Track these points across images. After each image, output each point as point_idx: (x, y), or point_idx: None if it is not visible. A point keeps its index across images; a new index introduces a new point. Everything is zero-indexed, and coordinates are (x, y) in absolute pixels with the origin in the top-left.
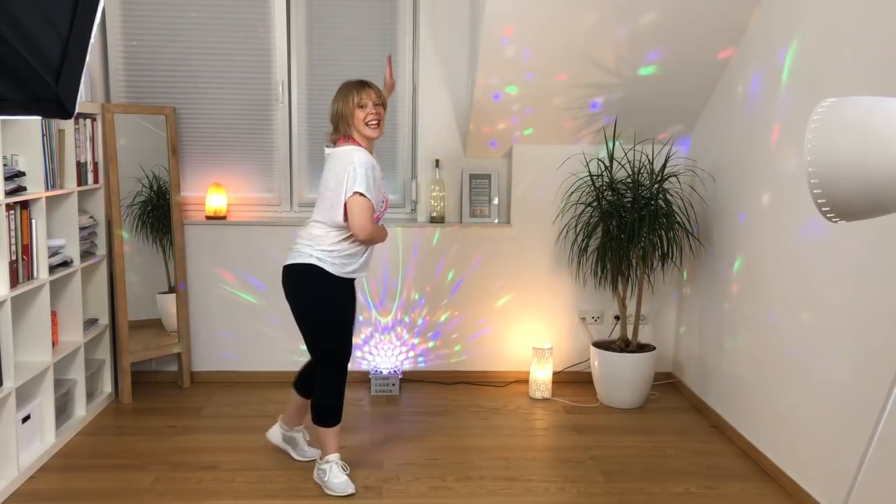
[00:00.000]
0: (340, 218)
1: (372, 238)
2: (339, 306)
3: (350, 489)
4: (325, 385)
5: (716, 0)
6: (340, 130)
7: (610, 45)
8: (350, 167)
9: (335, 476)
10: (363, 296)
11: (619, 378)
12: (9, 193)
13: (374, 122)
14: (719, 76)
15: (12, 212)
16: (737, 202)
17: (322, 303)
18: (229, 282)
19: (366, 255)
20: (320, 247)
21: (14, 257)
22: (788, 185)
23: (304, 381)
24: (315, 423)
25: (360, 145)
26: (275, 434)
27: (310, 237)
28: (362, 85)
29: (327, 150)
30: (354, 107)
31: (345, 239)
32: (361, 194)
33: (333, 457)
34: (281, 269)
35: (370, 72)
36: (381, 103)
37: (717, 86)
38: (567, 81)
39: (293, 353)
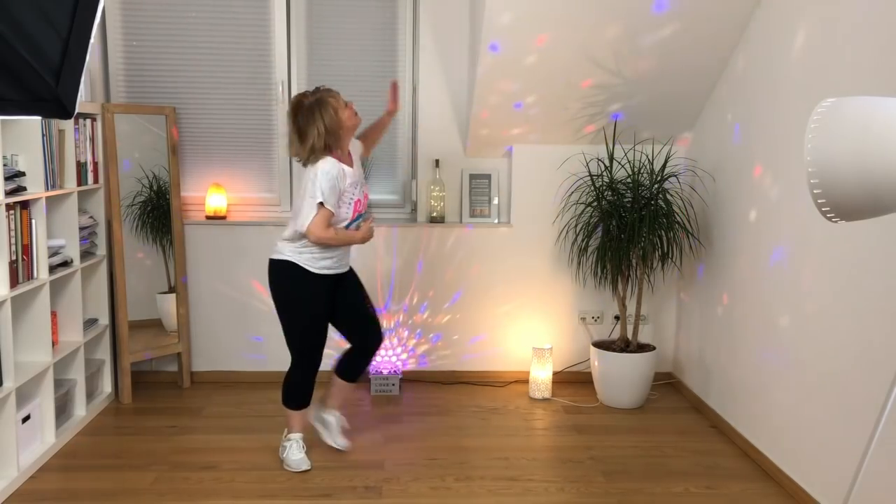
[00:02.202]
0: (303, 228)
1: (325, 243)
2: (311, 299)
3: (304, 466)
4: (290, 370)
5: (716, 0)
6: (321, 149)
7: (610, 45)
8: (313, 177)
9: (293, 453)
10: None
11: (619, 378)
12: (9, 193)
13: (359, 116)
14: (719, 76)
15: (12, 212)
16: (736, 202)
17: (295, 295)
18: (229, 282)
19: (340, 252)
20: (294, 245)
21: (14, 257)
22: (788, 185)
23: (343, 366)
24: (282, 401)
25: (335, 156)
26: (312, 413)
27: (288, 236)
28: (331, 93)
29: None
30: (341, 112)
31: (313, 242)
32: (321, 204)
33: (295, 435)
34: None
35: (370, 72)
36: None
37: (718, 85)
38: (567, 81)
39: None
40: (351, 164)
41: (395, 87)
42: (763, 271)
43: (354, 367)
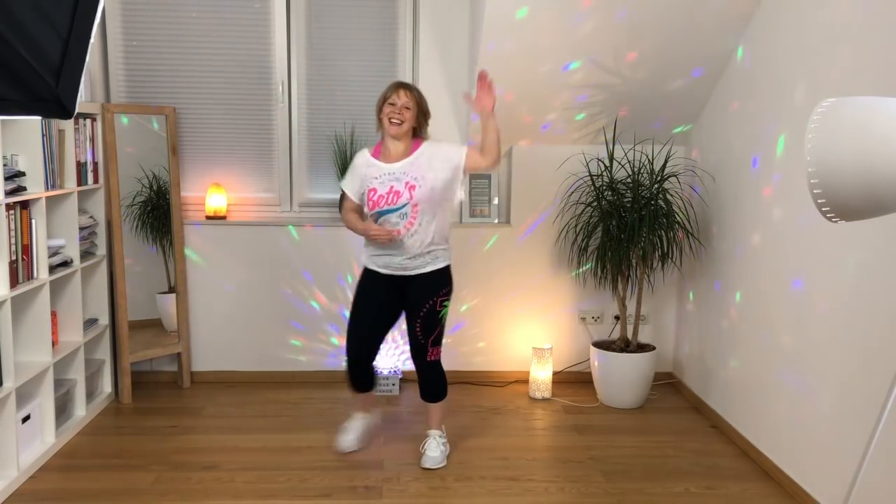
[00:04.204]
0: None
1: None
2: (360, 293)
3: (346, 446)
4: None
5: (716, 0)
6: (378, 126)
7: (610, 45)
8: None
9: (342, 433)
10: None
11: (619, 378)
12: (9, 193)
13: (396, 121)
14: (720, 75)
15: (12, 212)
16: (736, 202)
17: (356, 285)
18: (229, 282)
19: (388, 252)
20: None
21: (14, 257)
22: (788, 184)
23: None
24: None
25: (377, 146)
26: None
27: None
28: (399, 85)
29: None
30: (384, 102)
31: None
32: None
33: (359, 414)
34: (281, 269)
35: (370, 72)
36: (416, 108)
37: (718, 85)
38: (567, 81)
39: (293, 353)
40: (389, 160)
41: (482, 79)
42: (763, 271)
43: (422, 387)
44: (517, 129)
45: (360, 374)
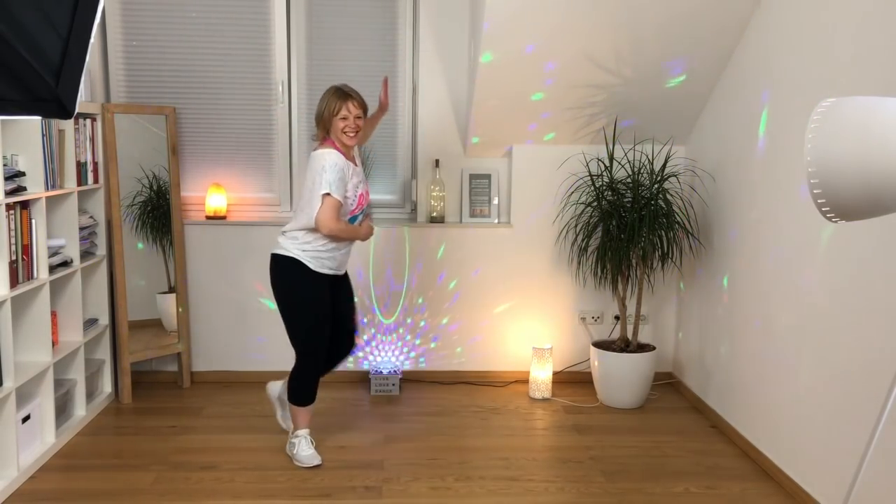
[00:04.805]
0: (313, 221)
1: (336, 234)
2: (316, 299)
3: (316, 461)
4: (295, 367)
5: (716, 0)
6: (322, 132)
7: (610, 46)
8: (320, 170)
9: (303, 449)
10: (366, 297)
11: (619, 378)
12: (9, 193)
13: (351, 133)
14: (720, 75)
15: (12, 212)
16: (736, 202)
17: (300, 294)
18: (229, 282)
19: (343, 251)
20: (299, 242)
21: (14, 257)
22: (788, 184)
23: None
24: (288, 399)
25: (335, 147)
26: (274, 387)
27: (291, 231)
28: (345, 96)
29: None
30: (335, 116)
31: (319, 238)
32: (328, 195)
33: (303, 432)
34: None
35: (370, 71)
36: (363, 114)
37: (718, 85)
38: (567, 81)
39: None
40: (355, 163)
41: (385, 83)
42: (763, 271)
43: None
44: (517, 129)
45: (318, 381)
